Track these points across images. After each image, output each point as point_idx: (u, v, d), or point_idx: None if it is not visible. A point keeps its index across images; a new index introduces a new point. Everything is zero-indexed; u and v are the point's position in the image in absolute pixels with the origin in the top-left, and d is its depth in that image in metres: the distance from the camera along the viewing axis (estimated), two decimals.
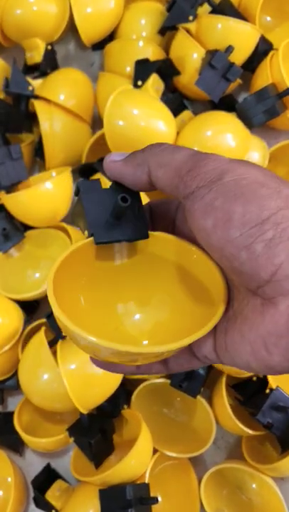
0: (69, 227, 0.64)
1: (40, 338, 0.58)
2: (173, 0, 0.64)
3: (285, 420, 0.56)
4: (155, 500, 0.54)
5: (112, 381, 0.58)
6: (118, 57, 0.67)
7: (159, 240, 0.25)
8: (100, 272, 0.26)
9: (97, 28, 0.69)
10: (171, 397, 0.66)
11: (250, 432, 0.57)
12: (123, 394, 0.62)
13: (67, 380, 0.55)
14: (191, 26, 0.65)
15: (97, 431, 0.57)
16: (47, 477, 0.61)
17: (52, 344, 0.59)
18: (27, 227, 0.66)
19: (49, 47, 0.69)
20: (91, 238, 0.24)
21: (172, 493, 0.62)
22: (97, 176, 0.64)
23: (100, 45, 0.71)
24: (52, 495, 0.59)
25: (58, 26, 0.68)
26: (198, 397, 0.61)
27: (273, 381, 0.58)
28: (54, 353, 0.57)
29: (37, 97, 0.66)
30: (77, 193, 0.25)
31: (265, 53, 0.66)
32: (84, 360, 0.57)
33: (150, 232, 0.25)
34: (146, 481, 0.57)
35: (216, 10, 0.66)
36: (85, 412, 0.57)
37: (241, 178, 0.20)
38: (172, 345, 0.21)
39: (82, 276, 0.26)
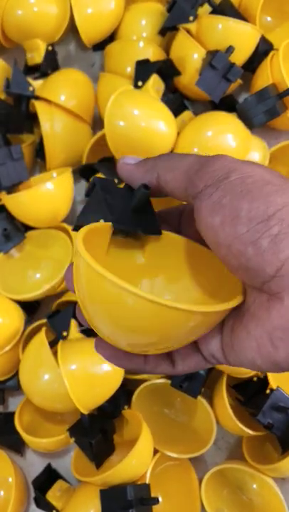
0: (70, 228, 0.64)
1: (41, 339, 0.58)
2: (173, 0, 0.64)
3: (286, 420, 0.56)
4: (156, 500, 0.54)
5: (113, 381, 0.58)
6: (119, 57, 0.68)
7: (171, 240, 0.26)
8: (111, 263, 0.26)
9: (97, 28, 0.69)
10: (171, 397, 0.66)
11: (251, 432, 0.57)
12: (124, 394, 0.62)
13: (67, 380, 0.55)
14: (192, 27, 0.65)
15: (97, 431, 0.57)
16: (48, 477, 0.62)
17: (52, 344, 0.59)
18: (28, 228, 0.67)
19: (50, 47, 0.69)
20: (109, 223, 0.24)
21: (173, 493, 0.62)
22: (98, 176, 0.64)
23: (100, 46, 0.71)
24: (53, 495, 0.60)
25: (58, 27, 0.68)
26: (199, 397, 0.61)
27: (274, 381, 0.58)
28: (55, 354, 0.57)
29: (38, 98, 0.66)
30: (90, 190, 0.26)
31: (266, 53, 0.66)
32: (85, 361, 0.57)
33: (163, 231, 0.26)
34: (147, 482, 0.57)
35: (216, 10, 0.66)
36: (85, 412, 0.57)
37: (247, 176, 0.20)
38: (219, 306, 0.20)
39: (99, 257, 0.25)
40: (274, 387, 0.57)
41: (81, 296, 0.22)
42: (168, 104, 0.63)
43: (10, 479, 0.61)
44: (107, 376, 0.58)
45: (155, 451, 0.60)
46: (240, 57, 0.65)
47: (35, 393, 0.59)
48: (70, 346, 0.58)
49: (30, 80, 0.67)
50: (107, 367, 0.57)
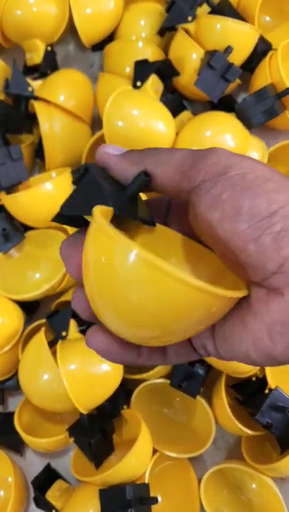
0: (69, 228, 0.64)
1: (40, 339, 0.58)
2: (172, 1, 0.64)
3: (284, 420, 0.56)
4: (155, 500, 0.54)
5: (112, 381, 0.58)
6: (117, 58, 0.68)
7: (163, 233, 0.25)
8: None
9: (96, 29, 0.69)
10: (170, 397, 0.66)
11: (250, 432, 0.57)
12: (123, 394, 0.62)
13: (67, 380, 0.55)
14: (190, 27, 0.65)
15: (97, 431, 0.57)
16: (47, 477, 0.62)
17: (52, 344, 0.59)
18: (27, 228, 0.67)
19: (49, 48, 0.69)
20: (110, 208, 0.22)
21: (172, 493, 0.62)
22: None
23: (99, 46, 0.72)
24: (52, 495, 0.60)
25: (57, 27, 0.69)
26: (198, 397, 0.61)
27: (272, 381, 0.58)
28: (54, 354, 0.57)
29: (37, 98, 0.66)
30: (81, 176, 0.24)
31: (264, 53, 0.66)
32: (84, 361, 0.57)
33: (158, 225, 0.25)
34: (146, 481, 0.57)
35: (215, 10, 0.66)
36: (84, 412, 0.57)
37: (247, 172, 0.20)
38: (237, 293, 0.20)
39: None
40: (273, 386, 0.57)
41: (96, 280, 0.21)
42: (167, 104, 0.63)
43: (9, 479, 0.61)
44: (106, 376, 0.58)
45: (154, 451, 0.60)
46: (238, 57, 0.65)
47: (34, 393, 0.59)
48: (69, 346, 0.58)
49: (29, 80, 0.67)
50: (106, 367, 0.57)
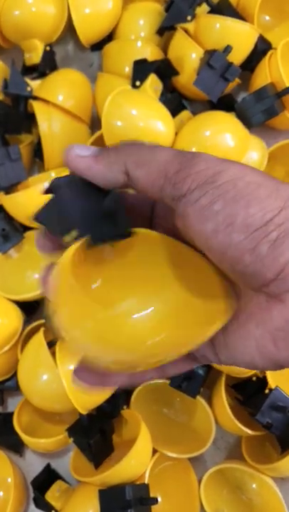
0: None
1: (40, 339, 0.58)
2: (171, 0, 0.64)
3: (285, 420, 0.56)
4: (155, 500, 0.54)
5: None
6: (116, 57, 0.67)
7: (145, 237, 0.24)
8: (89, 275, 0.25)
9: (95, 28, 0.69)
10: (170, 397, 0.66)
11: (250, 432, 0.57)
12: (122, 394, 0.62)
13: (66, 380, 0.55)
14: (190, 26, 0.65)
15: (96, 431, 0.57)
16: (47, 477, 0.62)
17: (51, 345, 0.59)
18: (26, 228, 0.66)
19: (48, 48, 0.69)
20: (81, 241, 0.22)
21: (172, 493, 0.62)
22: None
23: (98, 46, 0.71)
24: (52, 495, 0.59)
25: (56, 27, 0.68)
26: (198, 397, 0.61)
27: (273, 381, 0.58)
28: (53, 354, 0.57)
29: (36, 98, 0.66)
30: (49, 191, 0.23)
31: (264, 53, 0.66)
32: None
33: (137, 229, 0.23)
34: (146, 482, 0.57)
35: (214, 10, 0.66)
36: (84, 412, 0.57)
37: (237, 178, 0.20)
38: (196, 339, 0.20)
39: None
40: (273, 386, 0.57)
41: (66, 319, 0.21)
42: (166, 103, 0.63)
43: (9, 479, 0.61)
44: None
45: (154, 451, 0.60)
46: (238, 57, 0.65)
47: (33, 393, 0.59)
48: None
49: (28, 80, 0.67)
50: None
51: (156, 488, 0.58)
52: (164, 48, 0.69)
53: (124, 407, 0.62)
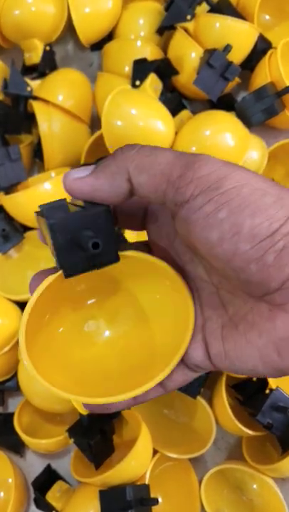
0: None
1: None
2: None
3: (285, 420, 0.56)
4: (155, 501, 0.54)
5: None
6: (116, 57, 0.67)
7: (128, 259, 0.23)
8: (64, 298, 0.25)
9: (95, 28, 0.69)
10: (171, 398, 0.65)
11: (250, 432, 0.57)
12: None
13: None
14: (189, 25, 0.65)
15: (97, 432, 0.57)
16: (47, 478, 0.61)
17: None
18: (26, 228, 0.66)
19: (47, 47, 0.69)
20: (57, 274, 0.22)
21: (172, 493, 0.62)
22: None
23: (98, 46, 0.71)
24: (52, 496, 0.59)
25: (56, 27, 0.68)
26: (198, 397, 0.60)
27: (273, 381, 0.58)
28: None
29: (35, 98, 0.66)
30: (39, 213, 0.23)
31: (264, 52, 0.66)
32: None
33: (120, 253, 0.23)
34: (147, 482, 0.57)
35: (214, 9, 0.66)
36: (84, 413, 0.57)
37: (241, 185, 0.19)
38: (141, 389, 0.23)
39: (47, 311, 0.25)
40: (273, 387, 0.57)
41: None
42: (166, 103, 0.63)
43: (10, 480, 0.61)
44: None
45: (155, 452, 0.60)
46: (238, 56, 0.65)
47: (34, 394, 0.59)
48: None
49: (28, 80, 0.67)
50: None
51: (157, 488, 0.58)
52: (164, 48, 0.68)
53: None
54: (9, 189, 0.64)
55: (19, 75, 0.66)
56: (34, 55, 0.68)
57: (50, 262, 0.66)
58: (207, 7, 0.67)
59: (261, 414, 0.55)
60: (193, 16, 0.65)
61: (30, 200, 0.62)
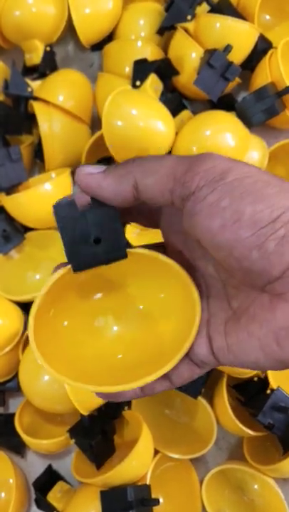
0: None
1: None
2: (171, 0, 0.64)
3: (286, 421, 0.56)
4: (156, 501, 0.54)
5: None
6: (117, 57, 0.67)
7: (135, 256, 0.24)
8: (72, 292, 0.26)
9: (95, 28, 0.69)
10: (172, 398, 0.65)
11: (252, 432, 0.57)
12: None
13: None
14: (190, 26, 0.65)
15: (98, 432, 0.57)
16: (48, 478, 0.61)
17: None
18: (27, 229, 0.66)
19: (48, 48, 0.69)
20: (67, 267, 0.24)
21: (174, 494, 0.62)
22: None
23: (98, 46, 0.71)
24: (53, 496, 0.59)
25: (56, 27, 0.68)
26: (199, 398, 0.60)
27: (274, 381, 0.58)
28: None
29: (36, 99, 0.66)
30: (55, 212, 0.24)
31: (265, 52, 0.66)
32: None
33: (128, 250, 0.24)
34: (148, 483, 0.57)
35: (214, 9, 0.66)
36: (85, 413, 0.57)
37: (245, 176, 0.20)
38: (150, 377, 0.23)
39: (56, 304, 0.26)
40: (274, 387, 0.57)
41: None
42: (166, 103, 0.63)
43: (11, 480, 0.61)
44: None
45: (156, 452, 0.60)
46: (238, 56, 0.65)
47: (35, 394, 0.59)
48: None
49: (28, 80, 0.67)
50: None
51: (158, 489, 0.58)
52: (165, 48, 0.68)
53: (126, 408, 0.62)
54: (10, 190, 0.64)
55: (20, 75, 0.66)
56: (35, 56, 0.68)
57: (51, 262, 0.66)
58: (207, 7, 0.67)
59: (262, 414, 0.55)
60: (194, 16, 0.65)
61: (31, 200, 0.62)
